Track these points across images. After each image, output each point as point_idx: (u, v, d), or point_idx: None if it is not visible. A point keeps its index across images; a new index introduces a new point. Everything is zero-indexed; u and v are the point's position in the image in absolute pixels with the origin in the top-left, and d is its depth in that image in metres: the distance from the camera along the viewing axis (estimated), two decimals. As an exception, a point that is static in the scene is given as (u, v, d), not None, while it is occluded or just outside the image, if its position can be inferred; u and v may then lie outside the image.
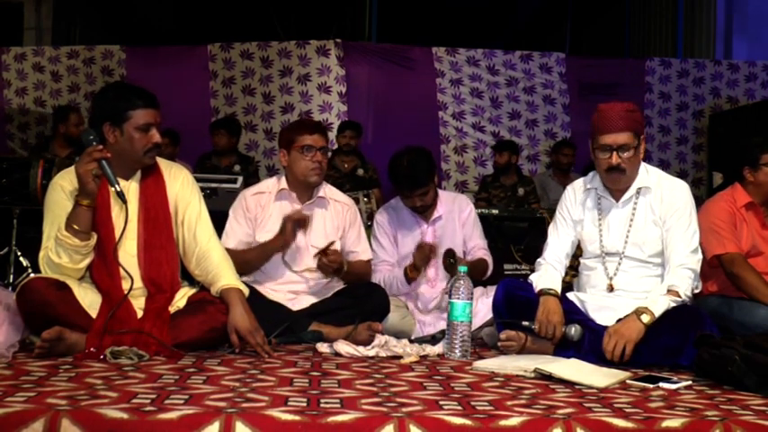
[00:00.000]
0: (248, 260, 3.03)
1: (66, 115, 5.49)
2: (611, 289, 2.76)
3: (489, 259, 3.42)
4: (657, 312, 2.49)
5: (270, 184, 3.22)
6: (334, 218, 3.20)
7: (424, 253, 3.16)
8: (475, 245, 3.43)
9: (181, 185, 2.69)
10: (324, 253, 2.96)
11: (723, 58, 8.23)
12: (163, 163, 2.71)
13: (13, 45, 7.42)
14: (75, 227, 2.40)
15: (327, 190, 3.25)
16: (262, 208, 3.14)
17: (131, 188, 2.58)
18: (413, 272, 3.22)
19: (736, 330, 2.81)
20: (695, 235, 2.68)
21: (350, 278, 3.14)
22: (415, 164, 3.24)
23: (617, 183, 2.72)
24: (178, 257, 2.68)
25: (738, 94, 7.38)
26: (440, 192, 3.47)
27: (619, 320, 2.58)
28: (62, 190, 2.51)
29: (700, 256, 2.69)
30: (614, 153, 2.63)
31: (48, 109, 6.90)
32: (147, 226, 2.59)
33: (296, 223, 2.96)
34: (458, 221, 3.43)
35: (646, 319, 2.47)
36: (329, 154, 3.25)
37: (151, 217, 2.60)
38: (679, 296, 2.54)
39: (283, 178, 3.20)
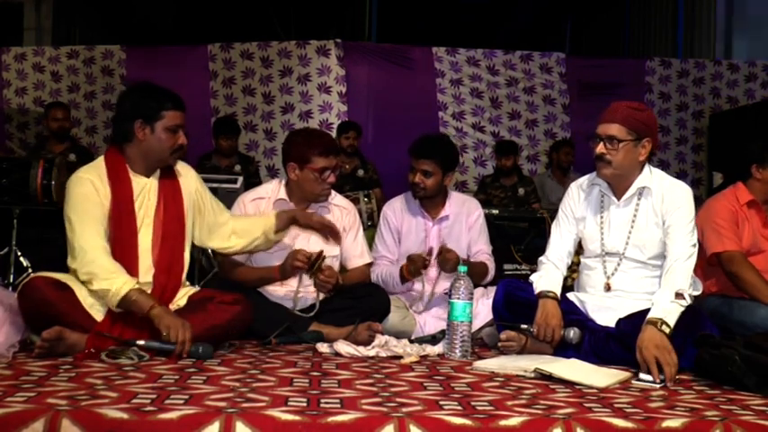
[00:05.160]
0: (246, 281, 3.01)
1: (48, 111, 5.55)
2: (608, 288, 2.76)
3: (491, 265, 3.40)
4: (673, 324, 2.45)
5: (269, 189, 3.17)
6: (333, 222, 3.17)
7: (416, 266, 3.15)
8: (479, 250, 3.41)
9: (194, 183, 2.76)
10: (320, 271, 2.90)
11: (723, 58, 8.21)
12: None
13: (13, 45, 7.41)
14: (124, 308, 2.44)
15: None
16: (260, 214, 3.09)
17: (152, 186, 2.63)
18: (408, 275, 3.22)
19: (736, 330, 2.81)
20: (694, 232, 2.68)
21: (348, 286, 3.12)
22: (435, 138, 3.50)
23: (603, 173, 2.70)
24: (187, 257, 2.71)
25: (738, 95, 7.38)
26: (452, 193, 3.46)
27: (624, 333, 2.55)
28: (91, 184, 2.51)
29: (696, 249, 2.68)
30: (602, 143, 2.66)
31: (47, 109, 6.92)
32: (165, 223, 2.62)
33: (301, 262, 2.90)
34: (465, 224, 3.41)
35: (667, 330, 2.41)
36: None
37: (169, 215, 2.64)
38: (684, 298, 2.53)
39: (283, 185, 3.15)
